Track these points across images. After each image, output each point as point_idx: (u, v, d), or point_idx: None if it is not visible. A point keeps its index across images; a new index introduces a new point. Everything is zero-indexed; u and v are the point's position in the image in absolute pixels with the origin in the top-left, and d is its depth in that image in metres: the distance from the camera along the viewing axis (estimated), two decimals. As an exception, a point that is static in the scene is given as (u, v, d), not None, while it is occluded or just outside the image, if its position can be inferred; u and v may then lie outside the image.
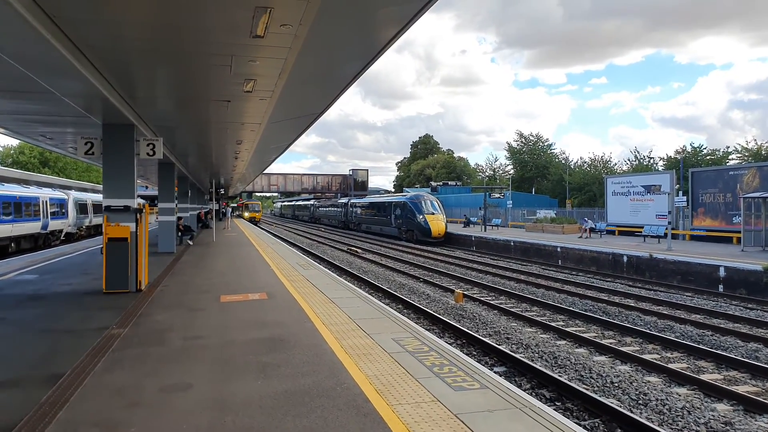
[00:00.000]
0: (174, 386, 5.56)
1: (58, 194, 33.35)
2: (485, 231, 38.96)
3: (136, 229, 11.47)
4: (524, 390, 8.28)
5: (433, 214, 38.77)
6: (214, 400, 5.13)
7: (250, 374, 5.91)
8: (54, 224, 31.54)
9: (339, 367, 6.11)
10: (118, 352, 6.86)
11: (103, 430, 4.54)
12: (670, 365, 9.60)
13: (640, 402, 7.93)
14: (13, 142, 63.96)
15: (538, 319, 13.21)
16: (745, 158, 47.64)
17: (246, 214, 75.46)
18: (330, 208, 70.03)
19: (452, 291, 16.46)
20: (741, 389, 8.49)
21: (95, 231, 37.98)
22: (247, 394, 5.28)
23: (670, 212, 26.19)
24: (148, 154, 11.72)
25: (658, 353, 10.66)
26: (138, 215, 11.55)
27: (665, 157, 55.02)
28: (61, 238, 33.35)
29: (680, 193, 30.55)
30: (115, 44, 6.74)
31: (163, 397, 5.28)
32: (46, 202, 30.14)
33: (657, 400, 7.94)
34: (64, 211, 33.43)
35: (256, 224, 63.75)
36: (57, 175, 62.88)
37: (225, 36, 6.38)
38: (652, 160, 57.01)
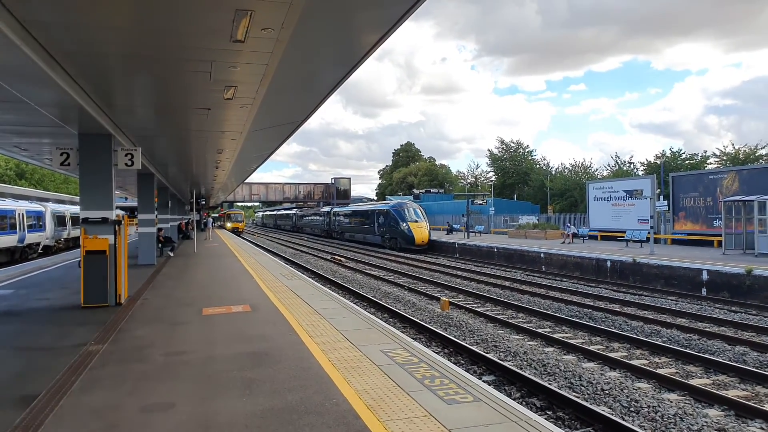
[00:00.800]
0: (155, 406, 5.32)
1: (35, 206, 32.68)
2: (468, 238, 38.96)
3: (115, 241, 11.17)
4: (515, 399, 8.16)
5: (416, 221, 38.70)
6: (197, 420, 4.91)
7: (234, 391, 5.68)
8: (31, 237, 30.87)
9: (327, 382, 5.91)
10: (96, 370, 6.59)
11: (79, 455, 4.29)
12: (659, 371, 9.54)
13: (632, 409, 7.83)
14: (-12, 154, 62.73)
15: (524, 325, 13.11)
16: (723, 162, 48.36)
17: (228, 225, 72.38)
18: (313, 217, 69.55)
19: (438, 299, 16.32)
20: (731, 393, 8.43)
21: (74, 243, 37.25)
22: (231, 413, 5.06)
23: (651, 217, 26.40)
24: (126, 164, 11.44)
25: (646, 358, 10.60)
26: (117, 227, 11.25)
27: (645, 162, 55.66)
28: (39, 251, 32.66)
29: (661, 197, 30.80)
30: (89, 50, 6.50)
31: (143, 417, 5.04)
32: (23, 214, 29.50)
33: (649, 407, 7.84)
34: (41, 223, 32.75)
35: (239, 235, 61.57)
36: (34, 187, 61.82)
37: (204, 41, 6.19)
38: (632, 166, 57.65)
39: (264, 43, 6.17)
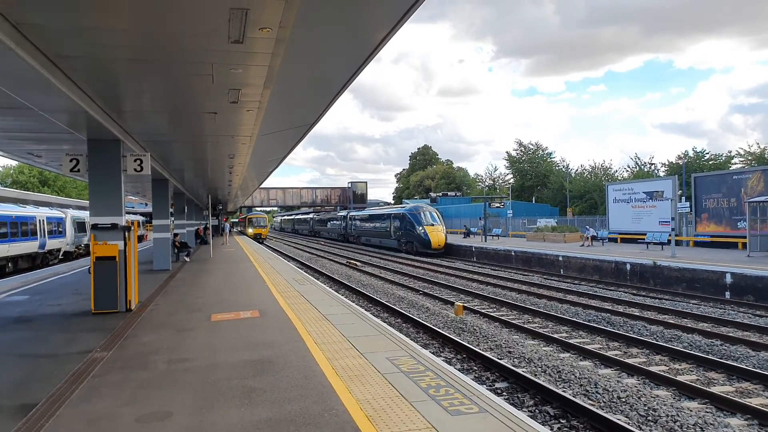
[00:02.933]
0: (152, 415, 5.20)
1: (56, 213, 33.15)
2: (485, 241, 38.59)
3: (125, 247, 11.14)
4: (527, 407, 7.92)
5: (432, 225, 38.43)
6: (193, 431, 4.76)
7: (234, 400, 5.54)
8: (51, 243, 31.29)
9: (328, 391, 5.73)
10: (98, 378, 6.50)
11: (68, 468, 4.16)
12: (679, 377, 9.22)
13: (650, 418, 7.54)
14: (13, 162, 63.89)
15: (540, 331, 12.82)
16: (749, 162, 47.41)
17: (250, 230, 64.50)
18: (329, 221, 69.68)
19: (452, 303, 16.08)
20: (755, 402, 8.08)
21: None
22: (228, 424, 4.91)
23: (673, 218, 25.85)
24: (135, 169, 11.41)
25: (665, 365, 10.26)
26: (126, 233, 11.22)
27: (666, 163, 54.87)
28: (59, 256, 33.09)
29: (683, 198, 30.20)
30: (88, 54, 6.41)
31: (139, 428, 4.91)
32: (43, 221, 29.91)
33: (667, 416, 7.55)
34: (61, 229, 33.20)
35: (261, 242, 55.99)
36: (56, 194, 62.85)
37: (202, 42, 6.05)
38: (653, 166, 56.82)
39: (263, 43, 6.03)
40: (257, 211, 78.85)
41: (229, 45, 5.96)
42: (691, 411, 7.78)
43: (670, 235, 25.21)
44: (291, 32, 5.78)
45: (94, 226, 10.97)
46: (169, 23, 5.59)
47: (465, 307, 15.30)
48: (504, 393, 8.55)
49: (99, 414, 5.28)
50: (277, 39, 5.90)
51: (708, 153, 52.24)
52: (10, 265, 25.77)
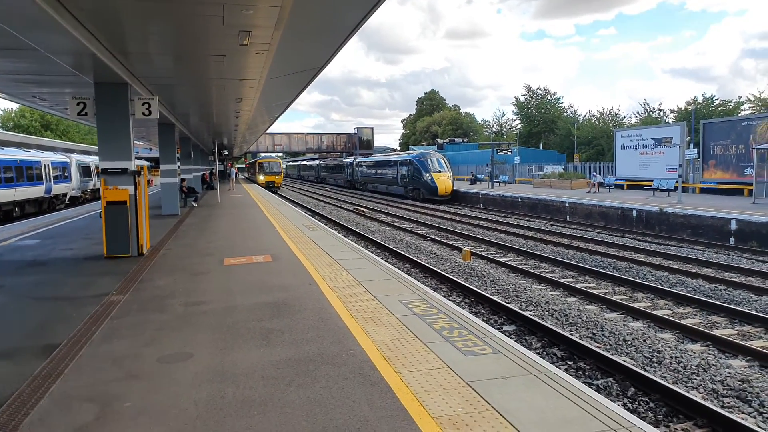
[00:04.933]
0: (173, 356, 5.34)
1: (61, 158, 33.10)
2: (492, 188, 38.55)
3: (135, 191, 11.18)
4: (535, 349, 8.10)
5: (439, 172, 38.31)
6: (215, 371, 4.91)
7: (252, 342, 5.68)
8: (57, 188, 31.39)
9: (345, 333, 5.87)
10: (116, 320, 6.65)
11: (96, 405, 4.31)
12: (682, 321, 9.37)
13: (654, 360, 7.71)
14: (14, 105, 63.45)
15: (547, 276, 12.96)
16: (758, 108, 46.69)
17: (261, 177, 54.37)
18: (335, 168, 69.23)
19: (460, 249, 16.21)
20: (756, 344, 8.23)
21: (100, 194, 37.80)
22: (249, 364, 5.05)
23: (680, 165, 25.70)
24: (143, 113, 11.32)
25: (670, 309, 10.41)
26: (136, 177, 11.24)
27: (675, 109, 54.11)
28: (66, 201, 33.25)
29: (691, 145, 29.91)
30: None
31: (161, 368, 5.06)
32: (49, 165, 29.90)
33: (671, 357, 7.72)
34: (67, 174, 33.23)
35: (275, 191, 47.78)
36: (59, 139, 62.59)
37: (213, -19, 5.92)
38: (662, 113, 56.09)
39: (276, -18, 5.88)
40: (268, 155, 71.22)
41: (241, -16, 5.82)
42: (694, 353, 7.95)
43: (676, 182, 25.11)
44: (304, -29, 5.62)
45: (104, 171, 10.99)
46: (180, -39, 5.44)
47: (472, 253, 15.44)
48: (512, 336, 8.72)
49: (121, 354, 5.43)
50: (289, -22, 5.75)
51: (717, 99, 51.49)
52: (17, 209, 25.95)
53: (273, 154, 70.87)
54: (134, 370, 4.99)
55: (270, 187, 50.71)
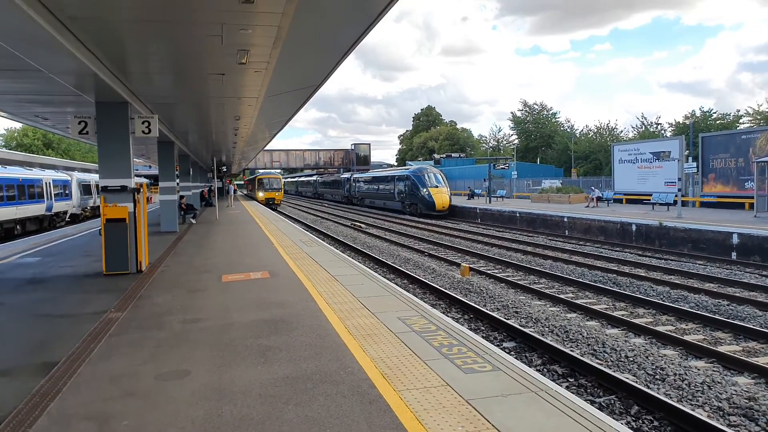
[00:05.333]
0: (171, 374, 5.31)
1: (62, 175, 33.19)
2: (490, 203, 38.59)
3: (134, 209, 11.19)
4: (535, 366, 8.05)
5: (436, 187, 38.36)
6: (212, 389, 4.88)
7: (250, 359, 5.65)
8: (58, 205, 31.43)
9: (343, 350, 5.84)
10: (115, 338, 6.62)
11: (94, 423, 4.28)
12: (686, 337, 9.32)
13: (657, 377, 7.66)
14: (17, 125, 63.72)
15: (546, 291, 12.93)
16: (757, 122, 46.93)
17: (260, 194, 52.57)
18: (333, 184, 69.35)
19: (458, 264, 16.19)
20: (762, 361, 8.17)
21: (100, 211, 37.82)
22: (246, 381, 5.02)
23: (679, 179, 25.74)
24: (143, 132, 11.36)
25: (672, 324, 10.37)
26: (136, 195, 11.26)
27: (673, 123, 54.38)
28: (66, 219, 33.27)
29: (690, 159, 30.03)
30: (97, 14, 6.33)
31: (159, 385, 5.02)
32: (50, 183, 29.97)
33: (675, 374, 7.67)
34: (67, 192, 33.29)
35: (275, 208, 46.54)
36: (61, 157, 62.79)
37: (213, 2, 5.97)
38: (659, 127, 56.34)
39: (274, 2, 5.94)
40: (267, 171, 69.13)
41: (240, 5, 5.88)
42: (698, 370, 7.89)
43: (676, 196, 25.15)
44: (302, -10, 5.68)
45: (104, 189, 11.01)
46: (180, -18, 5.50)
47: (471, 269, 15.41)
48: (512, 352, 8.67)
49: (119, 372, 5.40)
50: (287, -2, 5.81)
51: (715, 112, 51.77)
52: (18, 227, 25.95)
53: (272, 171, 68.67)
54: (132, 388, 4.96)
55: (270, 204, 49.36)
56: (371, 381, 4.93)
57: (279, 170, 73.49)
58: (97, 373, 5.41)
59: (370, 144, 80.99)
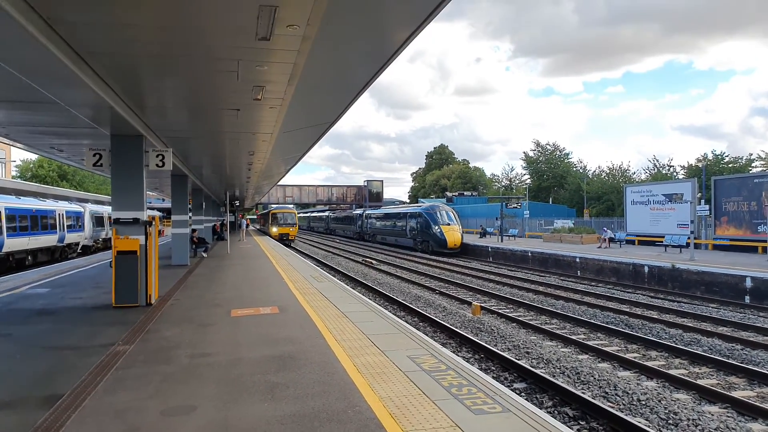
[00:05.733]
0: (177, 409, 5.25)
1: (75, 207, 33.52)
2: (502, 241, 38.45)
3: (146, 242, 11.25)
4: (546, 408, 7.90)
5: (448, 224, 38.34)
6: (218, 425, 4.81)
7: (257, 395, 5.58)
8: (70, 237, 31.67)
9: (351, 388, 5.76)
10: (121, 371, 6.58)
11: (97, 458, 4.22)
12: (699, 381, 9.13)
13: (670, 422, 7.48)
14: (32, 156, 64.81)
15: (558, 332, 12.76)
16: (769, 165, 46.73)
17: (274, 230, 50.77)
18: (345, 220, 69.56)
19: (469, 303, 16.05)
20: (778, 408, 7.98)
21: (111, 243, 38.02)
22: (252, 419, 4.95)
23: (692, 221, 25.57)
24: (157, 165, 11.51)
25: (685, 368, 10.17)
26: (147, 228, 11.33)
27: (686, 166, 54.37)
28: (78, 250, 33.48)
29: (702, 201, 29.85)
30: (115, 50, 6.50)
31: (164, 421, 4.96)
32: (63, 214, 30.27)
33: (688, 419, 7.49)
34: (80, 223, 33.58)
35: (289, 245, 44.73)
36: (75, 188, 63.55)
37: (230, 39, 6.11)
38: (672, 169, 56.28)
39: (290, 40, 6.06)
40: (281, 205, 67.00)
41: (257, 42, 6.01)
42: (712, 415, 7.71)
43: (689, 238, 24.95)
44: (318, 30, 5.80)
45: (116, 221, 11.09)
46: (198, 20, 5.64)
47: (482, 308, 15.27)
48: (522, 393, 8.52)
49: (124, 406, 5.35)
50: (303, 36, 5.93)
51: (728, 156, 51.76)
52: (29, 258, 26.13)
53: (287, 205, 66.89)
54: (137, 423, 4.90)
55: (283, 240, 47.46)
56: (379, 420, 4.85)
57: (291, 205, 72.76)
58: (103, 406, 5.36)
59: (382, 181, 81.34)
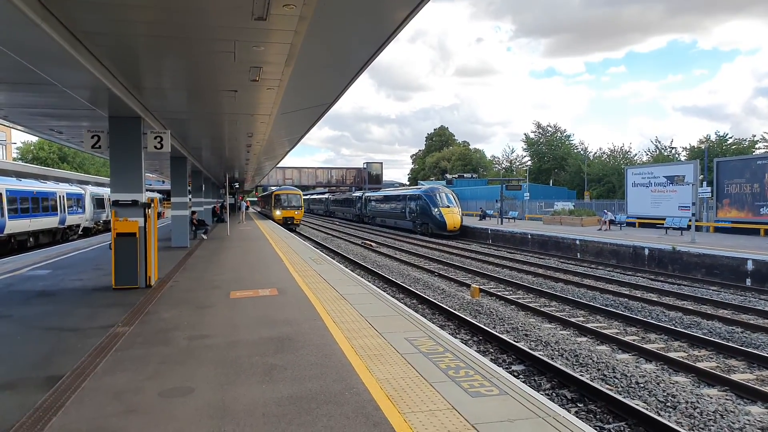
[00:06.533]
0: (174, 390, 5.26)
1: (75, 189, 33.51)
2: (501, 224, 38.44)
3: (145, 224, 11.23)
4: (544, 391, 7.93)
5: (448, 207, 38.30)
6: (215, 407, 4.82)
7: (255, 377, 5.59)
8: (71, 219, 31.71)
9: (348, 370, 5.77)
10: (120, 352, 6.60)
11: (95, 439, 4.24)
12: (698, 364, 9.15)
13: (668, 404, 7.51)
14: (33, 138, 64.62)
15: (557, 314, 12.78)
16: (772, 147, 46.53)
17: (277, 213, 45.43)
18: (345, 202, 69.44)
19: (468, 285, 16.08)
20: (775, 390, 8.01)
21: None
22: (250, 400, 4.96)
23: (693, 203, 25.51)
24: (155, 147, 11.45)
25: (684, 351, 10.19)
26: (146, 210, 11.30)
27: (688, 147, 54.17)
28: (79, 232, 33.53)
29: (704, 183, 29.76)
30: (111, 30, 6.43)
31: (162, 402, 4.98)
32: (63, 196, 30.27)
33: (686, 402, 7.51)
34: (81, 205, 33.62)
35: (293, 229, 41.27)
36: (75, 170, 63.45)
37: (226, 18, 6.02)
38: (673, 150, 56.08)
39: (286, 20, 5.98)
40: (285, 186, 61.42)
41: (253, 22, 5.92)
42: (710, 398, 7.73)
43: (690, 221, 24.92)
44: (315, 9, 5.72)
45: (115, 203, 11.07)
46: (194, -1, 5.56)
47: (481, 290, 15.29)
48: (521, 376, 8.55)
49: (123, 387, 5.36)
50: (300, 16, 5.85)
51: (731, 137, 51.46)
52: (31, 239, 26.17)
53: (290, 186, 61.28)
54: (135, 405, 4.91)
55: (288, 224, 43.06)
56: (376, 402, 4.86)
57: (291, 187, 70.15)
58: (102, 387, 5.38)
59: (382, 163, 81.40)
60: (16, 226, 23.95)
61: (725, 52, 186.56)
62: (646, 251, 21.98)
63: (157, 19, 6.15)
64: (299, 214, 46.26)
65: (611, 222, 32.16)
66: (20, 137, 62.80)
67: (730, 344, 10.27)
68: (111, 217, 11.17)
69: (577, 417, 5.57)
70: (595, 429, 5.75)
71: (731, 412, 7.19)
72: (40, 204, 26.79)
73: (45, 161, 64.31)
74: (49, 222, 28.13)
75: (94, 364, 6.15)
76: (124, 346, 6.89)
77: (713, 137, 51.76)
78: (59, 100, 9.83)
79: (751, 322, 12.17)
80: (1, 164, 31.50)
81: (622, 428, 6.68)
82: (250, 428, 4.36)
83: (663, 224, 29.20)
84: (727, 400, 7.70)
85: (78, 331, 7.79)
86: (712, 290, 16.70)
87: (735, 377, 8.55)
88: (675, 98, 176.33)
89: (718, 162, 29.73)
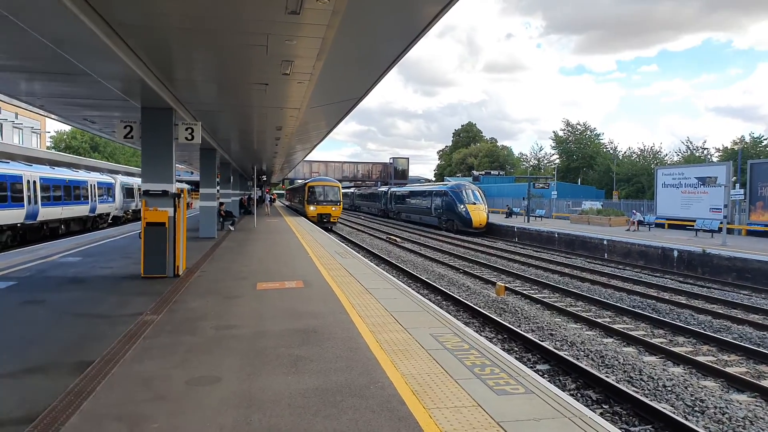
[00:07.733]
0: (202, 379, 5.34)
1: (106, 178, 34.13)
2: (528, 222, 38.11)
3: (174, 213, 11.39)
4: (569, 391, 7.86)
5: (474, 203, 38.05)
6: (242, 396, 4.88)
7: (281, 368, 5.64)
8: (102, 207, 32.31)
9: (373, 364, 5.79)
10: (149, 340, 6.72)
11: (125, 424, 4.33)
12: (728, 369, 8.98)
13: (696, 409, 7.38)
14: (66, 127, 65.97)
15: (583, 314, 12.64)
16: (808, 150, 45.32)
17: (311, 208, 38.56)
18: (370, 196, 69.50)
19: (493, 283, 15.99)
20: (808, 398, 7.82)
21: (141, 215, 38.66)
22: (276, 391, 5.01)
23: (725, 205, 24.97)
24: (186, 138, 11.60)
25: (713, 355, 10.01)
26: (176, 200, 11.46)
27: (721, 148, 52.95)
28: (109, 221, 34.16)
29: (737, 185, 29.08)
30: (148, 22, 6.53)
31: (189, 390, 5.06)
32: (94, 185, 30.86)
33: (715, 407, 7.38)
34: (111, 194, 34.23)
35: (329, 228, 36.50)
36: (106, 160, 64.64)
37: (260, 12, 6.08)
38: (705, 151, 54.95)
39: (319, 14, 6.00)
40: (321, 177, 54.58)
41: (286, 16, 5.96)
42: (740, 404, 7.59)
43: (721, 223, 24.41)
44: (347, 3, 5.72)
45: (146, 193, 11.24)
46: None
47: (506, 288, 15.20)
48: (545, 375, 8.48)
49: (151, 375, 5.46)
50: (333, 10, 5.86)
51: (766, 139, 50.16)
52: (62, 227, 26.75)
53: (327, 177, 52.82)
54: (163, 392, 5.00)
55: (324, 222, 37.38)
56: (401, 397, 4.87)
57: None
58: (131, 374, 5.48)
59: (408, 158, 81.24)
60: (48, 213, 24.49)
61: (761, 51, 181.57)
62: (675, 253, 21.59)
63: (192, 12, 6.21)
64: (337, 210, 39.74)
65: (639, 222, 31.66)
66: (53, 126, 64.21)
67: (761, 350, 10.05)
68: (141, 206, 11.34)
69: (602, 418, 5.51)
70: (621, 431, 5.68)
71: (761, 418, 7.05)
72: (72, 192, 27.35)
73: (77, 150, 65.65)
74: (80, 210, 28.72)
75: (123, 350, 6.27)
76: (152, 334, 7.01)
77: (747, 138, 50.58)
78: (94, 91, 10.03)
79: (784, 328, 11.88)
80: (35, 152, 32.23)
81: (648, 431, 6.59)
82: (276, 418, 4.41)
83: (693, 226, 28.64)
84: (757, 406, 7.55)
85: (107, 318, 7.95)
86: (743, 294, 16.34)
87: (766, 383, 8.36)
88: (708, 98, 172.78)
89: (752, 164, 29.03)
